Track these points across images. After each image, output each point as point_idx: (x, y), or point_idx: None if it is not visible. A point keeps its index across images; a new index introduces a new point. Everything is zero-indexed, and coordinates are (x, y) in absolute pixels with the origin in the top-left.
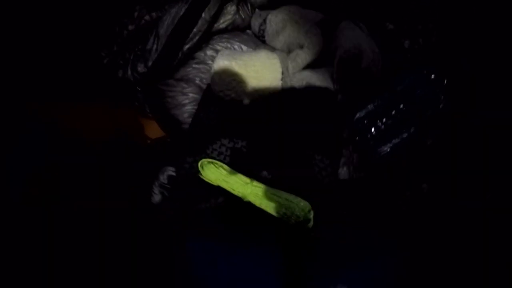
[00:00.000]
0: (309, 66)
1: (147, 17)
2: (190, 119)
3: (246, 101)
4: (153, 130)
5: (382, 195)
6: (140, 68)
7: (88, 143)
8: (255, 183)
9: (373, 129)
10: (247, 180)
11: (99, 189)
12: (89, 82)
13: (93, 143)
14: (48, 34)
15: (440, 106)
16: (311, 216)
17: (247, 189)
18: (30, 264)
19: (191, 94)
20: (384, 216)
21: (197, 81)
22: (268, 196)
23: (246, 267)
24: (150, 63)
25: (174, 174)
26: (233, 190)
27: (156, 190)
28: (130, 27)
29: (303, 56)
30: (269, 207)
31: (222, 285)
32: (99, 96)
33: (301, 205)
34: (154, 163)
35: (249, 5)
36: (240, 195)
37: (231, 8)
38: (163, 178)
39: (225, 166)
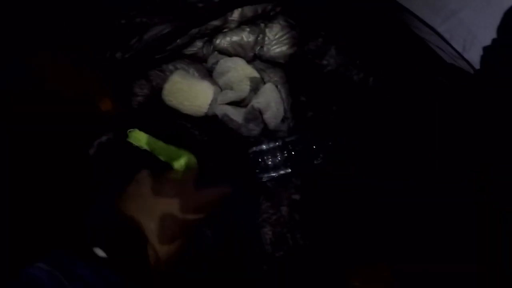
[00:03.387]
0: (233, 104)
1: (137, 20)
2: (137, 108)
3: (182, 110)
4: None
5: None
6: (118, 56)
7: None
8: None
9: (260, 161)
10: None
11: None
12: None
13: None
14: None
15: (315, 163)
16: None
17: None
18: None
19: (145, 90)
20: None
21: (153, 83)
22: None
23: None
24: (126, 55)
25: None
26: (160, 155)
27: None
28: (123, 21)
29: (230, 95)
30: None
31: None
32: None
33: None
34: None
35: (212, 46)
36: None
37: (199, 43)
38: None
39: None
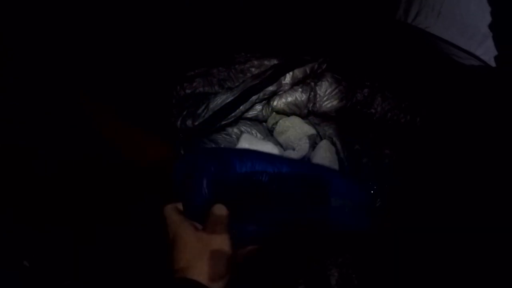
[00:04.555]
0: None
1: (200, 89)
2: None
3: None
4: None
5: None
6: (188, 123)
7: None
8: None
9: None
10: None
11: None
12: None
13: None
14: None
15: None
16: None
17: None
18: None
19: None
20: None
21: (222, 145)
22: None
23: None
24: (196, 123)
25: None
26: None
27: None
28: (188, 91)
29: (293, 156)
30: None
31: None
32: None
33: None
34: None
35: (270, 108)
36: None
37: (258, 107)
38: None
39: None
